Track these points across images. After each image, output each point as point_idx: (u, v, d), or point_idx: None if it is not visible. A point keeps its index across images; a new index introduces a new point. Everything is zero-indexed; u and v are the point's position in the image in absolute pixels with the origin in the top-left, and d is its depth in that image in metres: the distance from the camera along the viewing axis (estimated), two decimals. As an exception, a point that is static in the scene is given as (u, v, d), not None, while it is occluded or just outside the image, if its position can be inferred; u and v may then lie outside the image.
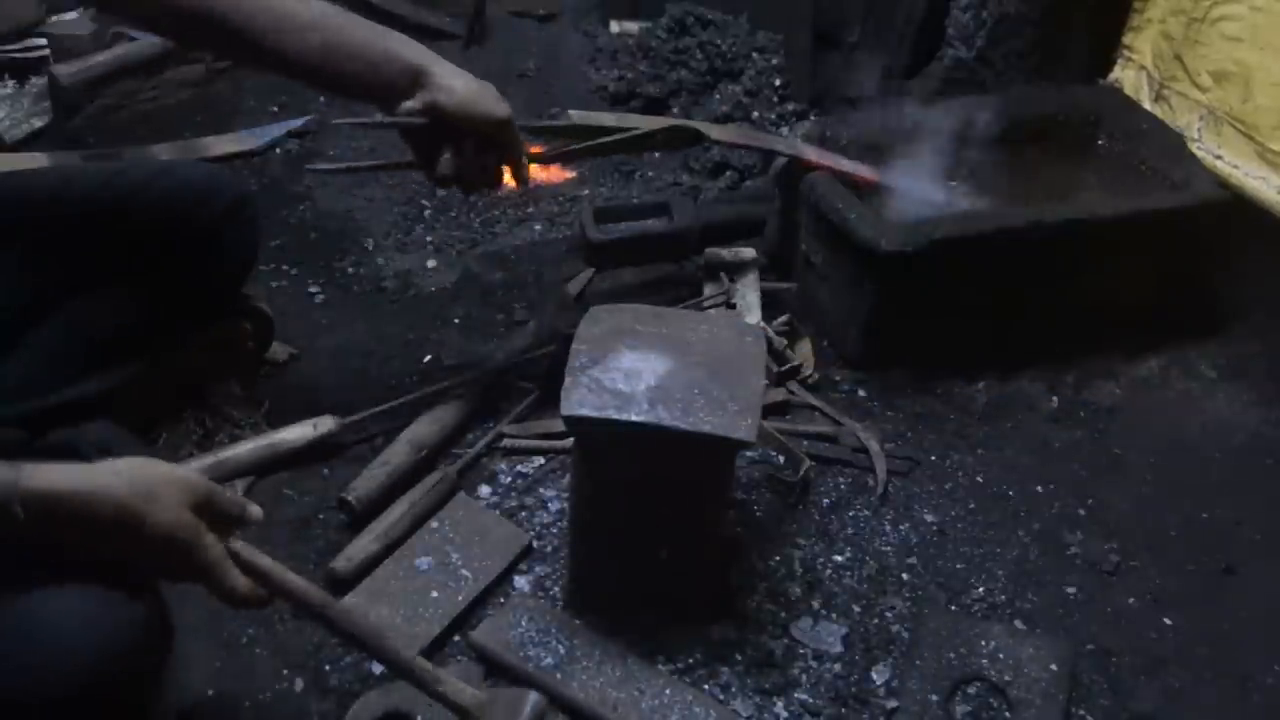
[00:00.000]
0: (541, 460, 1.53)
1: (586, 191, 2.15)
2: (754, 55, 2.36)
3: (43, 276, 1.33)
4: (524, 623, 1.27)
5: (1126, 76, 2.01)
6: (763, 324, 1.70)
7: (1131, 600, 1.40)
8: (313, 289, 1.88)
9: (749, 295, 1.77)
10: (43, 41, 2.34)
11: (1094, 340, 1.75)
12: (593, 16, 2.65)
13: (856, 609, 1.36)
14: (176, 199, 1.40)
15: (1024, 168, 1.82)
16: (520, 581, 1.37)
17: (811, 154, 1.75)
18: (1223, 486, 1.57)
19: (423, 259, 1.96)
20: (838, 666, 1.29)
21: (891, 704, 1.25)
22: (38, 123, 2.24)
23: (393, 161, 1.47)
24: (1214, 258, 1.84)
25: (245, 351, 1.60)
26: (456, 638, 1.29)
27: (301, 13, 1.26)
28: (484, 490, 1.49)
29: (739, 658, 1.27)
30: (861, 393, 1.70)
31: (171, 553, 0.93)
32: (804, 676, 1.27)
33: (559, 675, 1.22)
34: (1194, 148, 1.81)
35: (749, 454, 1.54)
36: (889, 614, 1.36)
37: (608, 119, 1.73)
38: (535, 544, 1.41)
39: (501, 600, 1.34)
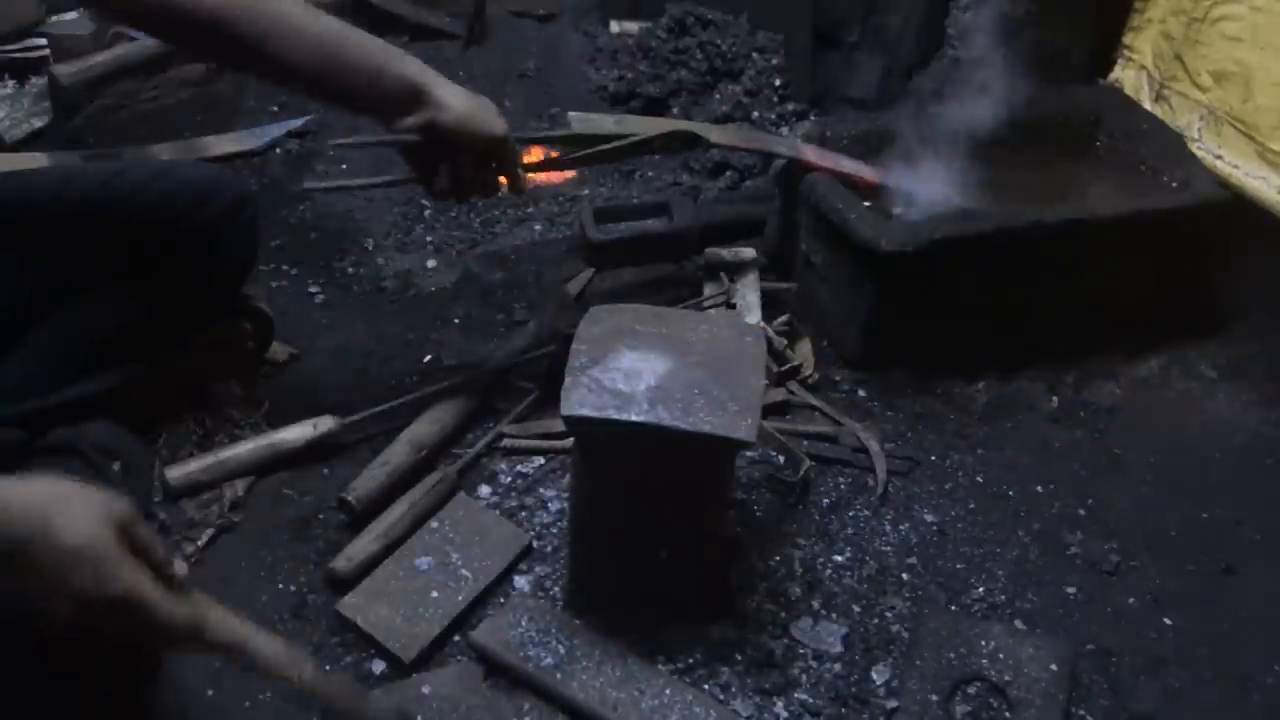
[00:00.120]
0: (541, 460, 1.53)
1: (586, 191, 2.15)
2: (754, 55, 2.36)
3: (43, 276, 1.33)
4: (524, 623, 1.27)
5: (1126, 76, 2.01)
6: (763, 324, 1.70)
7: (1131, 600, 1.40)
8: (313, 289, 1.88)
9: (749, 295, 1.77)
10: (43, 41, 2.34)
11: (1094, 340, 1.75)
12: (593, 16, 2.65)
13: (856, 609, 1.36)
14: (176, 199, 1.40)
15: (1024, 168, 1.82)
16: (520, 581, 1.37)
17: (812, 155, 1.75)
18: (1223, 486, 1.57)
19: (423, 259, 1.96)
20: (838, 666, 1.29)
21: (891, 704, 1.25)
22: (38, 123, 2.24)
23: (388, 179, 1.50)
24: (1214, 258, 1.84)
25: (245, 351, 1.60)
26: (456, 638, 1.29)
27: (303, 24, 1.25)
28: (484, 490, 1.49)
29: (739, 658, 1.27)
30: (861, 393, 1.70)
31: (82, 572, 0.82)
32: (804, 676, 1.27)
33: (559, 675, 1.22)
34: (1194, 148, 1.81)
35: (749, 454, 1.54)
36: (889, 614, 1.36)
37: (607, 122, 1.73)
38: (535, 544, 1.41)
39: (501, 600, 1.34)
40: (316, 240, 2.00)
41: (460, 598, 1.32)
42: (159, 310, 1.41)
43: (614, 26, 2.60)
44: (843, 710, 1.24)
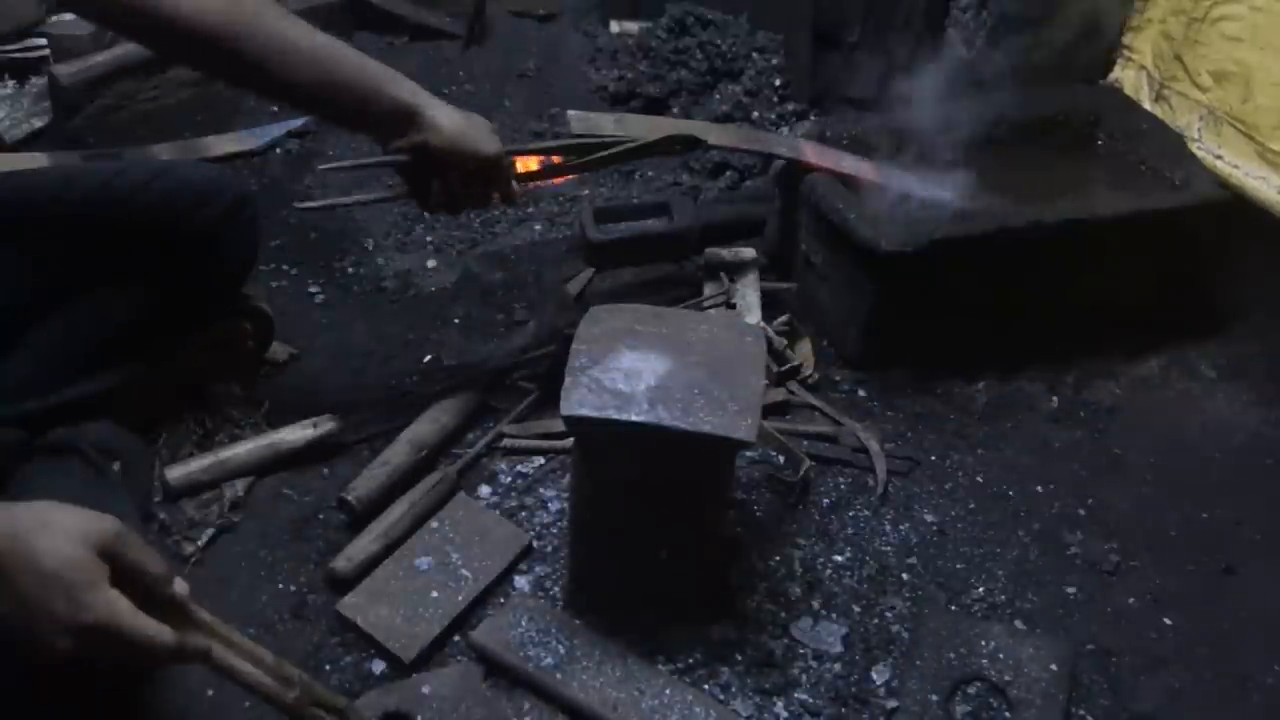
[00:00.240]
0: (541, 460, 1.53)
1: (586, 191, 2.15)
2: (754, 55, 2.36)
3: (43, 276, 1.33)
4: (524, 623, 1.27)
5: (1126, 76, 2.01)
6: (763, 324, 1.70)
7: (1131, 600, 1.40)
8: (313, 289, 1.88)
9: (749, 295, 1.77)
10: (43, 41, 2.34)
11: (1094, 340, 1.76)
12: (593, 16, 2.65)
13: (856, 609, 1.36)
14: (176, 199, 1.40)
15: (1024, 167, 1.82)
16: (520, 581, 1.37)
17: (812, 155, 1.75)
18: (1223, 486, 1.57)
19: (423, 259, 1.96)
20: (838, 666, 1.29)
21: (891, 704, 1.25)
22: (38, 123, 2.23)
23: (382, 195, 1.51)
24: (1214, 258, 1.84)
25: (245, 351, 1.60)
26: (456, 638, 1.29)
27: (301, 43, 1.26)
28: (484, 490, 1.49)
29: (739, 658, 1.27)
30: (861, 393, 1.70)
31: (57, 597, 0.79)
32: (804, 676, 1.27)
33: (559, 675, 1.22)
34: (1194, 148, 1.81)
35: (749, 454, 1.54)
36: (889, 614, 1.36)
37: (607, 121, 1.73)
38: (535, 544, 1.41)
39: (501, 600, 1.34)
40: (316, 240, 1.99)
41: (460, 598, 1.32)
42: (159, 310, 1.41)
43: (614, 26, 2.60)
44: (843, 710, 1.24)
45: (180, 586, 0.89)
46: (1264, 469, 1.62)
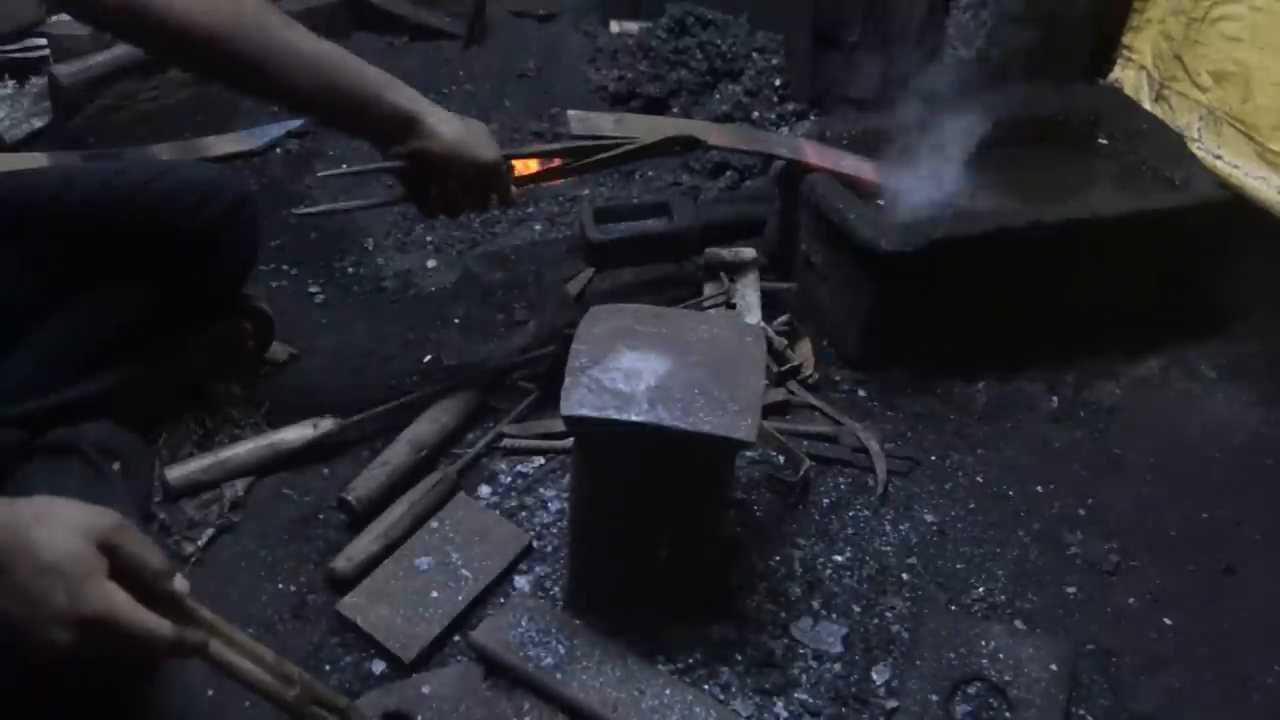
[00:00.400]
0: (541, 460, 1.53)
1: (586, 191, 2.15)
2: (754, 55, 2.36)
3: (43, 276, 1.33)
4: (524, 623, 1.27)
5: (1126, 76, 2.01)
6: (763, 324, 1.70)
7: (1131, 600, 1.40)
8: (313, 289, 1.88)
9: (749, 295, 1.77)
10: (43, 41, 2.34)
11: (1094, 340, 1.76)
12: (593, 16, 2.65)
13: (856, 609, 1.36)
14: (176, 199, 1.40)
15: (1024, 168, 1.82)
16: (520, 581, 1.37)
17: (812, 155, 1.75)
18: (1223, 486, 1.57)
19: (423, 259, 1.96)
20: (838, 666, 1.29)
21: (891, 704, 1.25)
22: (38, 123, 2.24)
23: (381, 200, 1.52)
24: (1214, 258, 1.84)
25: (245, 351, 1.60)
26: (456, 638, 1.29)
27: (301, 49, 1.26)
28: (484, 490, 1.49)
29: (739, 658, 1.27)
30: (861, 393, 1.70)
31: (56, 589, 0.79)
32: (804, 676, 1.27)
33: (559, 675, 1.22)
34: (1194, 148, 1.81)
35: (749, 454, 1.54)
36: (889, 614, 1.36)
37: (606, 121, 1.73)
38: (535, 544, 1.41)
39: (501, 600, 1.34)
40: (316, 240, 2.00)
41: (460, 598, 1.32)
42: (159, 310, 1.41)
43: (614, 26, 2.61)
44: (843, 710, 1.24)
45: (180, 583, 0.89)
46: (1264, 469, 1.62)
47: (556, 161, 1.60)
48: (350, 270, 1.93)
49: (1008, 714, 1.24)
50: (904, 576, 1.41)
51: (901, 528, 1.48)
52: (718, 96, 2.30)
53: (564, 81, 2.44)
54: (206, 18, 1.20)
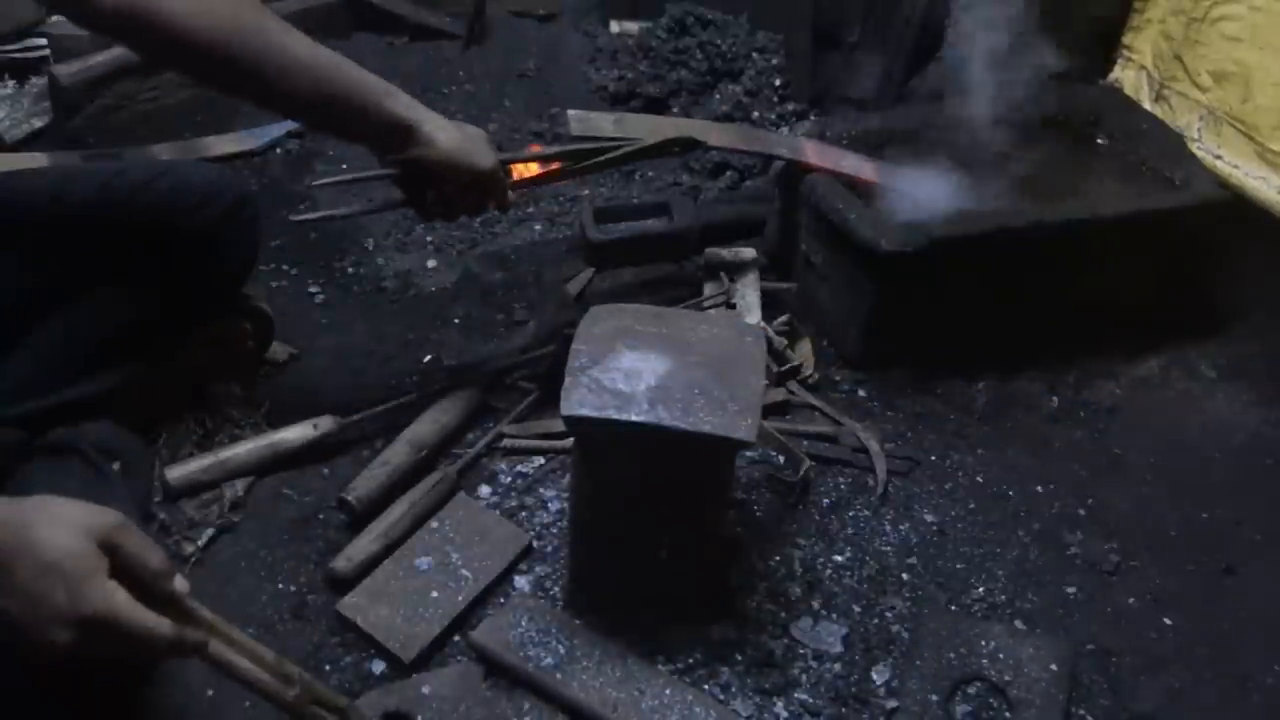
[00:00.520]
0: (541, 460, 1.53)
1: (586, 191, 2.15)
2: (754, 55, 2.36)
3: (43, 276, 1.33)
4: (524, 623, 1.27)
5: (1126, 76, 2.01)
6: (763, 324, 1.70)
7: (1131, 600, 1.40)
8: (313, 289, 1.88)
9: (749, 295, 1.77)
10: (43, 41, 2.34)
11: (1094, 340, 1.76)
12: (593, 16, 2.65)
13: (856, 609, 1.36)
14: (177, 199, 1.40)
15: (1024, 168, 1.82)
16: (520, 581, 1.37)
17: (812, 155, 1.75)
18: (1223, 486, 1.57)
19: (423, 259, 1.96)
20: (838, 666, 1.29)
21: (891, 704, 1.25)
22: (38, 123, 2.24)
23: (378, 205, 1.52)
24: (1214, 258, 1.84)
25: (245, 351, 1.60)
26: (456, 638, 1.29)
27: (299, 56, 1.26)
28: (484, 490, 1.49)
29: (739, 658, 1.27)
30: (861, 393, 1.70)
31: (56, 588, 0.79)
32: (804, 676, 1.27)
33: (559, 675, 1.22)
34: (1194, 148, 1.81)
35: (749, 454, 1.54)
36: (889, 614, 1.36)
37: (606, 121, 1.73)
38: (535, 544, 1.41)
39: (501, 600, 1.34)
40: (316, 240, 1.99)
41: (460, 598, 1.32)
42: (159, 310, 1.41)
43: (614, 26, 2.61)
44: (843, 710, 1.24)
45: (180, 583, 0.89)
46: (1264, 469, 1.62)
47: (555, 165, 1.60)
48: (350, 270, 1.93)
49: (1008, 714, 1.24)
50: (904, 576, 1.41)
51: (901, 528, 1.48)
52: (718, 96, 2.30)
53: (564, 81, 2.44)
54: (204, 23, 1.19)
